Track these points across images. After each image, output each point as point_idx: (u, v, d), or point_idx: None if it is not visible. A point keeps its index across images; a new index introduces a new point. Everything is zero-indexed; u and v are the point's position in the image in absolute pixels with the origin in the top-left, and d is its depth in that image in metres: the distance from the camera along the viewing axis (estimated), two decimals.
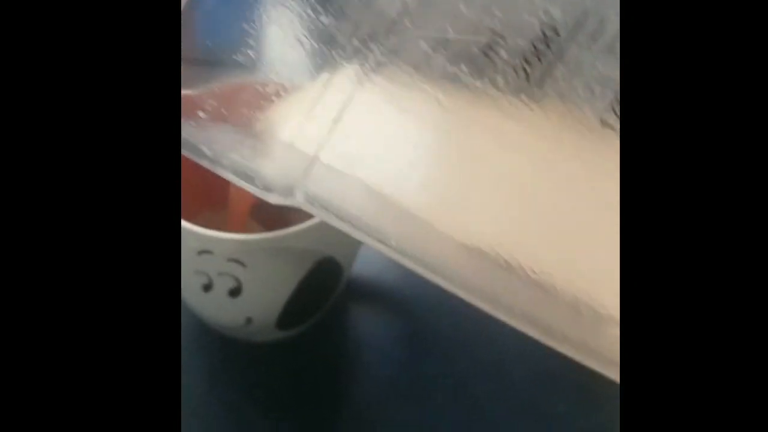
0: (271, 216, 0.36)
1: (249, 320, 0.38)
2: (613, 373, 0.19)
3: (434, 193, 0.23)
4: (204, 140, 0.25)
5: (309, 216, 0.33)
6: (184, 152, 0.25)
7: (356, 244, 0.39)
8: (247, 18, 0.24)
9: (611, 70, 0.20)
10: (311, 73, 0.24)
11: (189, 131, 0.24)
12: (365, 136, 0.23)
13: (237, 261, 0.34)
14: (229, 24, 0.25)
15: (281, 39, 0.23)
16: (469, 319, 0.43)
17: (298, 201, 0.24)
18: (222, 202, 0.40)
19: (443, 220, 0.23)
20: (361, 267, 0.43)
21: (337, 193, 0.24)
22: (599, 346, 0.21)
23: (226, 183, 0.33)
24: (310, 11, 0.23)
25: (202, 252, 0.33)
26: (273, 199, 0.24)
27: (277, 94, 0.24)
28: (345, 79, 0.23)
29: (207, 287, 0.36)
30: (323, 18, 0.23)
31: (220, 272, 0.34)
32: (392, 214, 0.23)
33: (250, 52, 0.23)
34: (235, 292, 0.35)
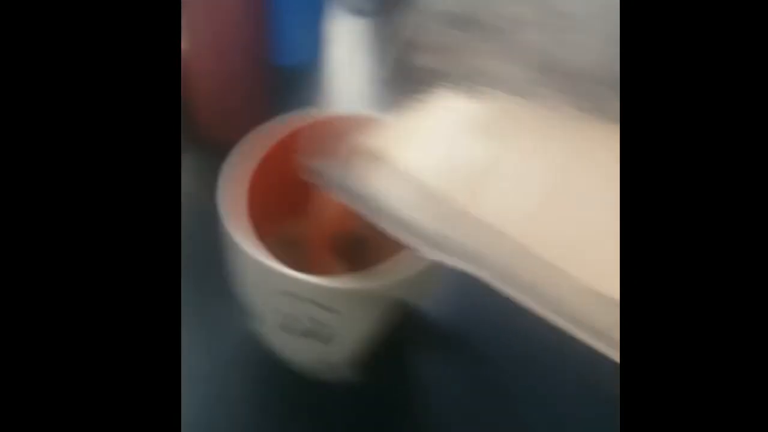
0: (350, 249, 0.35)
1: (328, 362, 0.37)
2: None
3: (560, 234, 0.22)
4: (350, 181, 0.24)
5: (391, 251, 0.32)
6: (339, 197, 0.24)
7: (436, 289, 0.37)
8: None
9: None
10: (412, 104, 0.23)
11: (331, 170, 0.23)
12: (480, 171, 0.22)
13: (323, 306, 0.33)
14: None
15: (380, 68, 0.22)
16: (539, 365, 0.42)
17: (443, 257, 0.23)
18: (304, 211, 0.39)
19: (572, 263, 0.21)
20: (434, 310, 0.42)
21: (464, 236, 0.23)
22: None
23: (307, 193, 0.34)
24: (410, 42, 0.22)
25: (288, 294, 0.32)
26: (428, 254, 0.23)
27: (380, 125, 0.23)
28: (449, 107, 0.22)
29: (289, 328, 0.35)
30: (425, 48, 0.22)
31: (304, 315, 0.33)
32: (519, 256, 0.22)
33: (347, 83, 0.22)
34: (317, 336, 0.34)
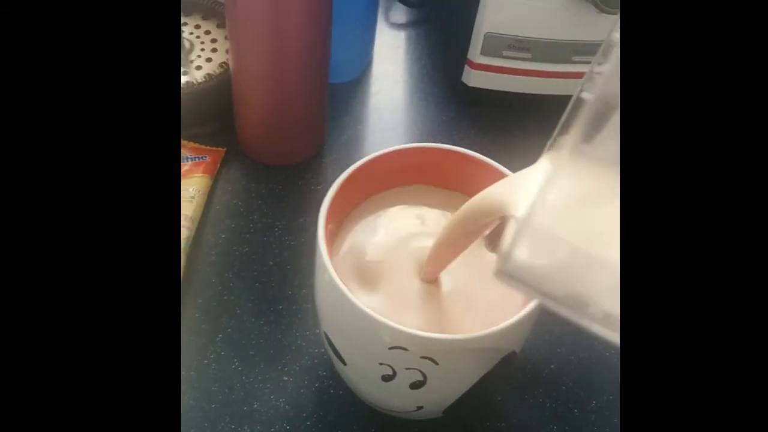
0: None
1: (420, 407, 0.37)
2: None
3: None
4: None
5: None
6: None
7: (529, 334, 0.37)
8: None
9: None
10: None
11: None
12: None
13: (430, 359, 0.32)
14: None
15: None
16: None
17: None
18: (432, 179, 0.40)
19: None
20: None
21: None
22: None
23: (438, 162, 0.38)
24: None
25: (396, 348, 0.32)
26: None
27: None
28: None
29: (388, 378, 0.34)
30: None
31: (408, 367, 0.33)
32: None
33: None
34: (417, 385, 0.34)
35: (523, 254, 0.25)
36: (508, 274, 0.25)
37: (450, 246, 0.34)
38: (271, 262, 0.47)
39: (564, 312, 0.25)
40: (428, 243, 0.36)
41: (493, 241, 0.36)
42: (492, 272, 0.25)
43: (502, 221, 0.32)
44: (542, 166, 0.29)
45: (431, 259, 0.35)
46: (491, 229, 0.35)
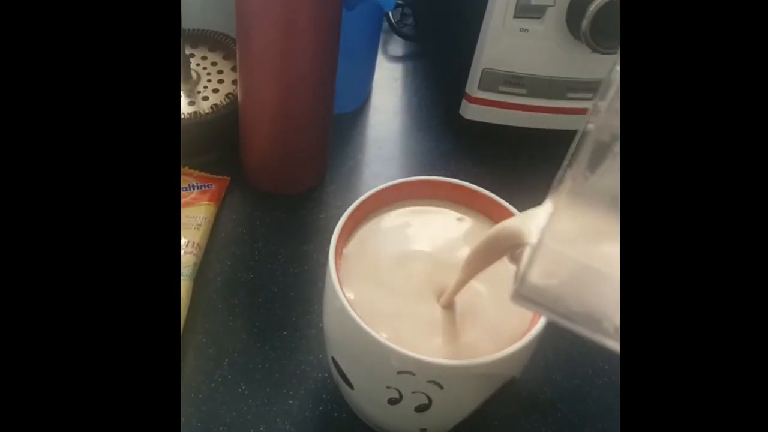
0: None
1: (423, 430, 0.38)
2: None
3: None
4: None
5: None
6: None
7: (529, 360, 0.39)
8: None
9: None
10: None
11: None
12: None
13: (436, 383, 0.34)
14: None
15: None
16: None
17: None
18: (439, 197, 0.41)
19: None
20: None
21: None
22: None
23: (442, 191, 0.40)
24: None
25: (403, 372, 0.34)
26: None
27: None
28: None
29: (394, 401, 0.36)
30: None
31: (414, 391, 0.35)
32: None
33: None
34: (422, 408, 0.36)
35: (537, 277, 0.27)
36: (525, 296, 0.26)
37: (471, 273, 0.36)
38: (275, 289, 0.49)
39: (578, 329, 0.26)
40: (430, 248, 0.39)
41: (518, 257, 0.38)
42: (509, 297, 0.27)
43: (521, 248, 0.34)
44: (551, 201, 0.31)
45: (455, 285, 0.37)
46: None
